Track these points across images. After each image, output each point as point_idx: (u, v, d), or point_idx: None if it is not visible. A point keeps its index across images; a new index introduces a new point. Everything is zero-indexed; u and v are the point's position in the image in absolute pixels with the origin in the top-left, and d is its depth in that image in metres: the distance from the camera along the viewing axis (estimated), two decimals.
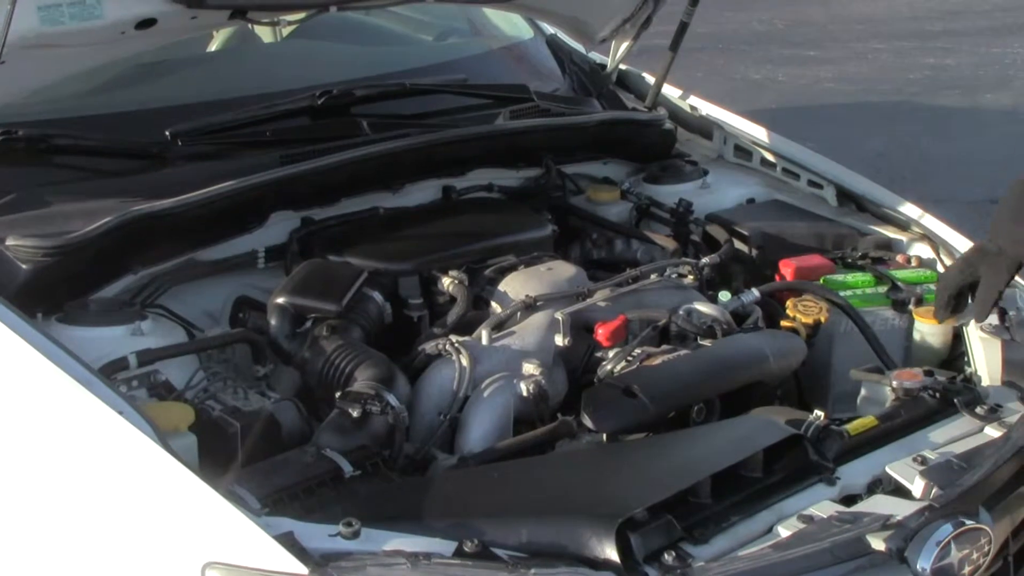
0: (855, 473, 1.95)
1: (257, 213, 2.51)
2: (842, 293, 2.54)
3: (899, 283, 2.59)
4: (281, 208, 2.55)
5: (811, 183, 3.06)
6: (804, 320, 2.44)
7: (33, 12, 2.22)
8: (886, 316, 2.56)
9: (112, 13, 2.32)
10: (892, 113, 7.48)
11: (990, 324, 2.37)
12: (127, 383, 2.03)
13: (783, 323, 2.46)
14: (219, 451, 1.94)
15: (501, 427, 2.12)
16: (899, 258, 2.74)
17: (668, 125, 3.28)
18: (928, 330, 2.52)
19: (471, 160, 2.88)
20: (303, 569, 1.57)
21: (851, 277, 2.62)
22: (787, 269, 2.64)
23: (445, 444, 2.13)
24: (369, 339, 2.31)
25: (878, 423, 2.07)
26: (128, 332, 2.16)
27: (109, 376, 1.96)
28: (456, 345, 2.21)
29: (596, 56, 3.54)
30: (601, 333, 2.31)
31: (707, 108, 3.35)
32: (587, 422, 2.05)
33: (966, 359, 2.41)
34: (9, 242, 2.18)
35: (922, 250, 2.77)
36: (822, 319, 2.45)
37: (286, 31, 3.37)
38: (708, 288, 2.61)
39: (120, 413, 1.77)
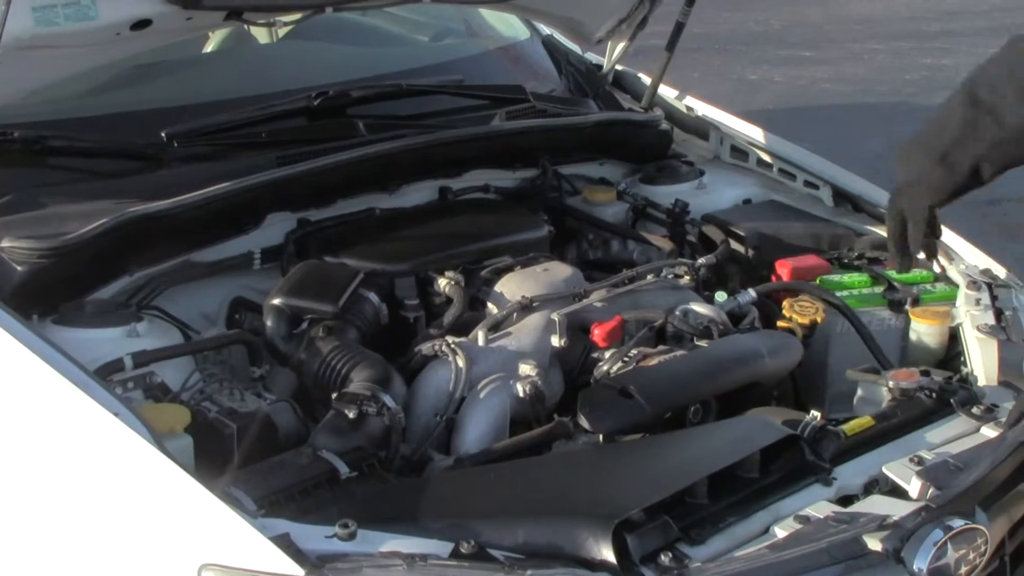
0: (851, 473, 1.94)
1: (253, 214, 2.50)
2: (838, 293, 2.54)
3: (895, 283, 2.60)
4: (277, 209, 2.55)
5: (807, 184, 3.06)
6: (800, 320, 2.44)
7: (28, 13, 2.22)
8: (882, 316, 2.56)
9: (107, 14, 2.32)
10: (889, 114, 7.49)
11: (986, 324, 2.38)
12: (123, 385, 2.03)
13: (779, 323, 2.46)
14: (215, 453, 1.94)
15: (497, 428, 2.12)
16: None
17: (664, 126, 3.28)
18: (924, 330, 2.52)
19: (467, 161, 2.88)
20: (299, 571, 1.57)
21: (847, 277, 2.62)
22: (783, 269, 2.64)
23: (441, 445, 2.13)
24: (365, 340, 2.31)
25: (874, 423, 2.07)
26: (124, 334, 2.15)
27: (105, 378, 1.96)
28: (452, 346, 2.21)
29: (592, 57, 3.54)
30: (597, 334, 2.31)
31: (703, 109, 3.35)
32: (583, 423, 2.05)
33: (962, 359, 2.41)
34: (4, 244, 2.18)
35: None
36: (818, 319, 2.45)
37: (282, 32, 3.36)
38: (704, 289, 2.62)
39: (116, 415, 1.77)
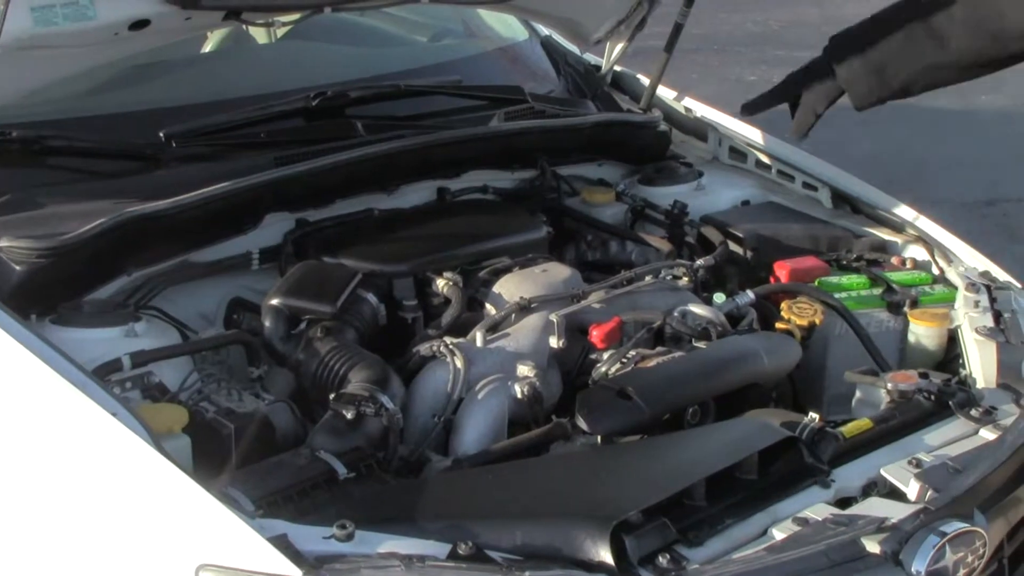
0: (850, 476, 1.94)
1: (252, 215, 2.50)
2: (837, 295, 2.53)
3: (894, 285, 2.59)
4: (276, 209, 2.55)
5: (806, 185, 3.06)
6: (799, 322, 2.44)
7: (26, 13, 2.21)
8: (881, 318, 2.56)
9: (105, 14, 2.31)
10: (887, 115, 7.47)
11: (985, 327, 2.38)
12: (121, 385, 2.03)
13: (778, 325, 2.46)
14: (213, 453, 1.94)
15: (495, 429, 2.12)
16: (894, 260, 2.74)
17: (663, 127, 3.28)
18: (923, 332, 2.52)
19: (466, 162, 2.88)
20: (297, 571, 1.56)
21: (846, 279, 2.62)
22: (782, 271, 2.64)
23: (439, 446, 2.13)
24: (363, 341, 2.30)
25: (873, 425, 2.07)
26: (122, 334, 2.15)
27: (103, 378, 1.96)
28: (450, 347, 2.20)
29: (591, 57, 3.54)
30: (596, 335, 2.31)
31: (702, 110, 3.35)
32: (581, 424, 2.05)
33: (961, 361, 2.41)
34: (3, 243, 2.17)
35: (917, 252, 2.78)
36: (817, 321, 2.45)
37: (280, 32, 3.36)
38: (703, 290, 2.61)
39: (114, 415, 1.76)
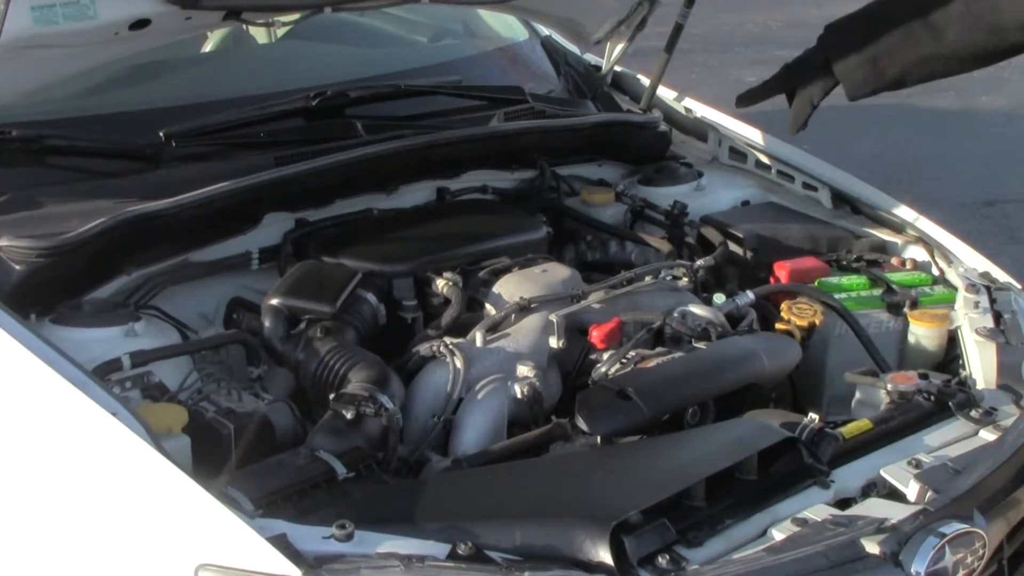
0: (849, 476, 1.94)
1: (251, 214, 2.50)
2: (837, 296, 2.53)
3: (894, 286, 2.59)
4: (275, 209, 2.55)
5: (806, 185, 3.06)
6: (799, 323, 2.44)
7: (26, 12, 2.21)
8: (881, 319, 2.56)
9: (106, 14, 2.31)
10: (887, 115, 7.48)
11: (985, 327, 2.38)
12: (120, 384, 2.03)
13: (778, 325, 2.46)
14: (213, 453, 1.94)
15: (495, 429, 2.12)
16: (894, 261, 2.74)
17: (663, 127, 3.28)
18: (923, 333, 2.52)
19: (465, 162, 2.88)
20: (296, 571, 1.57)
21: (846, 280, 2.62)
22: (782, 272, 2.63)
23: (439, 446, 2.12)
24: (363, 341, 2.30)
25: (873, 426, 2.07)
26: (122, 333, 2.15)
27: (102, 377, 1.96)
28: (450, 347, 2.20)
29: (591, 58, 3.54)
30: (595, 335, 2.31)
31: (702, 110, 3.35)
32: (581, 424, 2.05)
33: (961, 362, 2.40)
34: (3, 243, 2.17)
35: (917, 253, 2.78)
36: (817, 322, 2.45)
37: (280, 32, 3.36)
38: (703, 290, 2.61)
39: (113, 414, 1.76)
